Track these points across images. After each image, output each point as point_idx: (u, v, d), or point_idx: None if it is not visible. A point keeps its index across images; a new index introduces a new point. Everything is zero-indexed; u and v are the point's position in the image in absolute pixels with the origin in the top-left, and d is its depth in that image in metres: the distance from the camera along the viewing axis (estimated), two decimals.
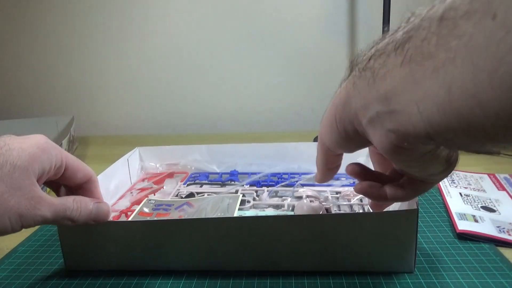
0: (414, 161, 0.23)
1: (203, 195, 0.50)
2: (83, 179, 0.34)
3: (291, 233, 0.35)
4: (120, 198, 0.52)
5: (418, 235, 0.34)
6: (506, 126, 0.16)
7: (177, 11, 0.92)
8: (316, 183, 0.40)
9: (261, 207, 0.47)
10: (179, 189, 0.53)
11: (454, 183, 0.54)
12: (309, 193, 0.48)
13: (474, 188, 0.52)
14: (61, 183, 0.34)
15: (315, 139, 0.71)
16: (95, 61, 0.97)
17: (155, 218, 0.44)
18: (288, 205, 0.46)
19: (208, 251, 0.37)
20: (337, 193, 0.49)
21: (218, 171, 0.60)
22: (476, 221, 0.42)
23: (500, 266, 0.36)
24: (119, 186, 0.53)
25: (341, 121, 0.25)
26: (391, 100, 0.20)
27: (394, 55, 0.20)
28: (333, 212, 0.44)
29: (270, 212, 0.46)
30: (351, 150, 0.28)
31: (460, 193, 0.50)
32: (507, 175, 0.56)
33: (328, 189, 0.50)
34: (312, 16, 0.90)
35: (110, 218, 0.36)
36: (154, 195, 0.52)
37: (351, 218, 0.36)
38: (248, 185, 0.53)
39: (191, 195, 0.52)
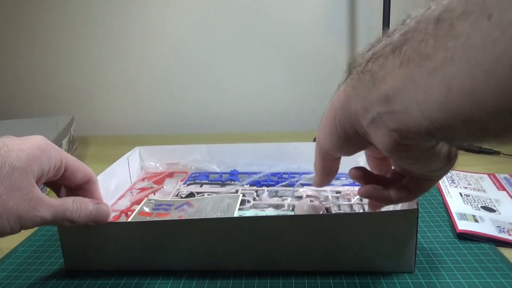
0: (416, 158, 0.23)
1: (203, 195, 0.50)
2: (83, 179, 0.34)
3: (291, 233, 0.35)
4: (120, 197, 0.52)
5: (418, 235, 0.34)
6: (505, 121, 0.16)
7: (177, 11, 0.92)
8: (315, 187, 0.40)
9: (261, 207, 0.47)
10: (179, 189, 0.53)
11: (454, 183, 0.54)
12: (309, 193, 0.48)
13: (474, 188, 0.52)
14: (61, 183, 0.34)
15: (315, 139, 0.71)
16: (95, 61, 0.97)
17: (155, 218, 0.44)
18: (288, 205, 0.46)
19: (208, 251, 0.37)
20: (337, 192, 0.49)
21: (218, 171, 0.60)
22: (476, 221, 0.42)
23: (500, 266, 0.36)
24: (119, 186, 0.53)
25: (341, 124, 0.25)
26: (391, 100, 0.20)
27: (392, 57, 0.20)
28: (333, 211, 0.44)
29: (270, 212, 0.46)
30: (351, 152, 0.28)
31: (460, 193, 0.50)
32: (507, 175, 0.56)
33: (328, 188, 0.50)
34: (312, 16, 0.90)
35: (110, 218, 0.36)
36: (154, 195, 0.52)
37: (351, 218, 0.36)
38: (248, 185, 0.53)
39: (191, 195, 0.52)
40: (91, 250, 0.38)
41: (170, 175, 0.59)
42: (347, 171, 0.32)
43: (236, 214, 0.43)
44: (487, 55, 0.15)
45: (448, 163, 0.25)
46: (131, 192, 0.54)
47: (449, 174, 0.57)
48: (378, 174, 0.33)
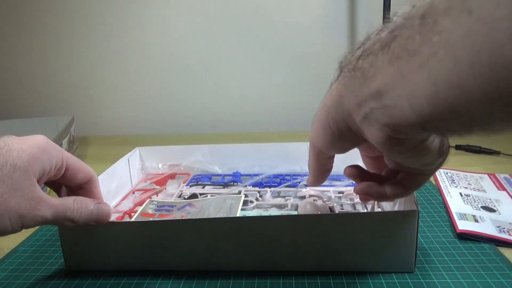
0: (409, 151, 0.24)
1: (206, 196, 0.50)
2: (84, 179, 0.34)
3: (291, 233, 0.35)
4: (123, 199, 0.52)
5: (418, 235, 0.34)
6: (490, 110, 0.17)
7: (177, 11, 0.92)
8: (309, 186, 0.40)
9: (264, 207, 0.47)
10: (182, 190, 0.53)
11: (454, 183, 0.54)
12: (312, 193, 0.48)
13: (474, 188, 0.52)
14: (62, 183, 0.34)
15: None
16: (95, 61, 0.97)
17: (157, 219, 0.44)
18: (292, 205, 0.46)
19: (208, 251, 0.37)
20: (339, 192, 0.49)
21: (220, 172, 0.59)
22: (476, 221, 0.42)
23: (500, 266, 0.36)
24: (120, 186, 0.53)
25: (335, 121, 0.26)
26: (382, 96, 0.21)
27: (381, 54, 0.21)
28: (336, 211, 0.44)
29: (274, 212, 0.46)
30: (344, 150, 0.28)
31: (460, 193, 0.50)
32: (507, 175, 0.56)
33: (331, 189, 0.50)
34: (312, 16, 0.90)
35: (114, 219, 0.36)
36: (157, 196, 0.52)
37: (352, 218, 0.36)
38: (251, 186, 0.53)
39: (193, 196, 0.52)
40: (91, 250, 0.38)
41: (172, 176, 0.59)
42: None
43: (239, 214, 0.43)
44: (469, 48, 0.16)
45: (440, 157, 0.25)
46: (134, 193, 0.54)
47: (449, 174, 0.57)
48: (373, 172, 0.33)
